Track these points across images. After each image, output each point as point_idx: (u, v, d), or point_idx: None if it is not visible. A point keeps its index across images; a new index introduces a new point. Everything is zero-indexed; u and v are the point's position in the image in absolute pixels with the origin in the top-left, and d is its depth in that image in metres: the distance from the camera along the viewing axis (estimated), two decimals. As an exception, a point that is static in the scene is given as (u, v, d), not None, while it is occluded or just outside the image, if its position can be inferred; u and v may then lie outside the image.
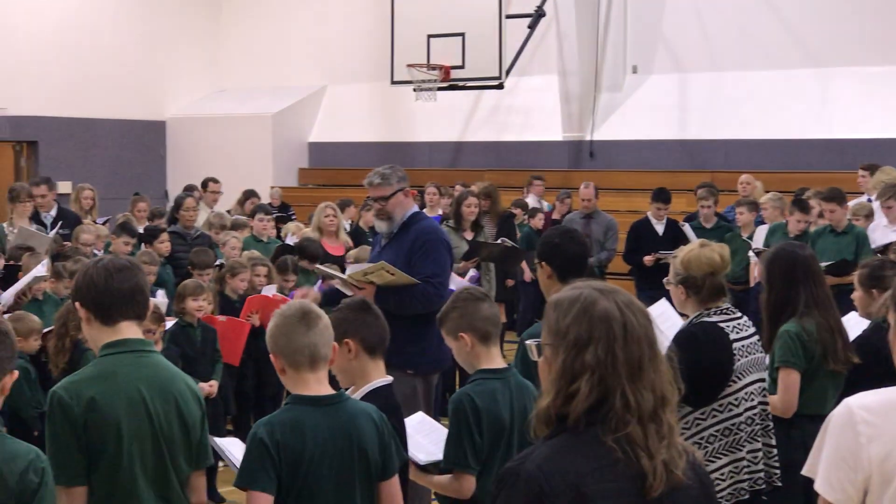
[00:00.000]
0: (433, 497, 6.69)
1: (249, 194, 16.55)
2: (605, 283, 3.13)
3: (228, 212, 16.00)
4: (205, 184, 15.84)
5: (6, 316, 8.54)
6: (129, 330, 4.40)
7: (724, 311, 5.65)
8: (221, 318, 9.94)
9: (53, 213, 12.98)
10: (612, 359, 2.97)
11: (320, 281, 10.96)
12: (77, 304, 4.42)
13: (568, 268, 5.73)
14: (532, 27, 19.72)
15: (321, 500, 4.30)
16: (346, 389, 4.84)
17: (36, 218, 12.95)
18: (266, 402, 10.18)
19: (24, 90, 21.48)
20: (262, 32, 24.36)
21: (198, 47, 24.58)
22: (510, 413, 5.09)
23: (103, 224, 13.88)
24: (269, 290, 10.42)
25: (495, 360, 5.21)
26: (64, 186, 13.02)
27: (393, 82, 20.30)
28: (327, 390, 4.41)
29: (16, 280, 9.77)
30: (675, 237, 13.11)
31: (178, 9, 24.26)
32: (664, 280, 5.89)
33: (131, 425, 4.24)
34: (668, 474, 2.94)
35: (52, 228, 12.49)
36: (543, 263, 5.81)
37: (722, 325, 5.58)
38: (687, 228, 13.42)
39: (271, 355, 4.43)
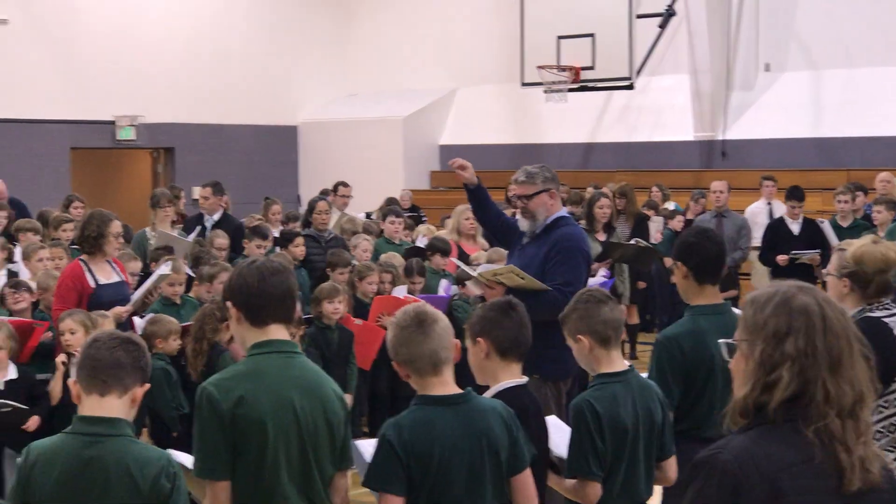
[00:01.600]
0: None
1: (391, 201, 16.72)
2: (803, 282, 3.11)
3: (370, 216, 16.10)
4: (335, 188, 15.98)
5: (145, 319, 8.69)
6: (278, 331, 4.45)
7: (886, 305, 5.54)
8: (358, 321, 9.99)
9: (217, 216, 13.04)
10: (812, 349, 2.94)
11: (444, 282, 10.99)
12: (228, 303, 4.48)
13: (705, 267, 5.68)
14: (662, 26, 19.60)
15: (453, 497, 4.29)
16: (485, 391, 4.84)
17: (199, 220, 13.17)
18: (401, 402, 10.14)
19: (161, 98, 21.92)
20: (391, 36, 24.52)
21: (328, 52, 24.83)
22: (633, 416, 5.01)
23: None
24: (400, 292, 10.45)
25: (615, 362, 5.12)
26: (199, 192, 13.17)
27: (523, 84, 20.35)
28: (454, 390, 4.41)
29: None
30: (811, 236, 12.93)
31: (308, 15, 24.53)
32: (823, 271, 5.77)
33: (278, 424, 4.28)
34: (864, 472, 2.90)
35: (209, 231, 12.56)
36: (680, 263, 5.75)
37: (886, 319, 5.48)
38: (826, 226, 13.20)
39: (394, 364, 4.45)
